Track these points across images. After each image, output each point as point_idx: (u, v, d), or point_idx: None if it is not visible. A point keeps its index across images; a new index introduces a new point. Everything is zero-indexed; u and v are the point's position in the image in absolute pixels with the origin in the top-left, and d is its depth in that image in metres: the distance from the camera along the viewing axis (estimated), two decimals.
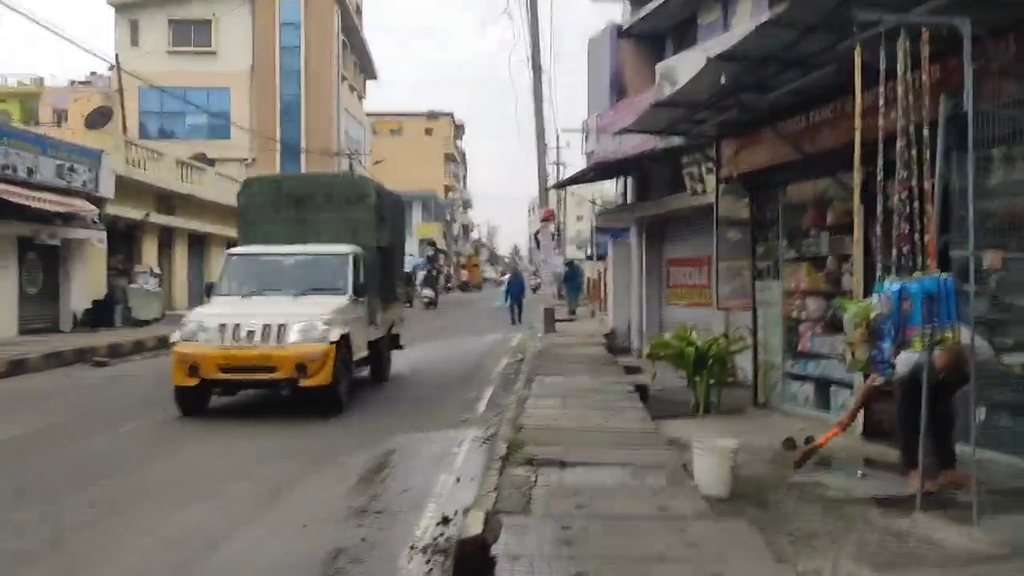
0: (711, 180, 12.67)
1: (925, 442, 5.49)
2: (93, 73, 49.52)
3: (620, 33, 16.20)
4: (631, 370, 13.79)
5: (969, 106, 4.74)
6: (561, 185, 17.46)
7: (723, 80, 7.20)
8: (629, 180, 17.52)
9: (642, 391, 10.61)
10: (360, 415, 9.90)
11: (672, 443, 7.51)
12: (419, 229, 65.60)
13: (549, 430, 7.12)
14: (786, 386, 9.36)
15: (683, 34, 15.36)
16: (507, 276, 40.43)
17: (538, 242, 18.77)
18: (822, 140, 8.14)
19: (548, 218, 17.88)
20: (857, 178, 5.57)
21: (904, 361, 5.26)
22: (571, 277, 30.42)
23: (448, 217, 78.20)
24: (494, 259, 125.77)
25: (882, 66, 5.33)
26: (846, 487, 5.89)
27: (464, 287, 71.40)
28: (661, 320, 16.37)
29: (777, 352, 9.52)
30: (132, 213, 22.38)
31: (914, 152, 5.18)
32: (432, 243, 69.06)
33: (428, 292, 37.84)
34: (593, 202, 24.61)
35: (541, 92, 17.46)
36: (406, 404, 10.74)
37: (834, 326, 8.59)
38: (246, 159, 39.67)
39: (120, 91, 27.37)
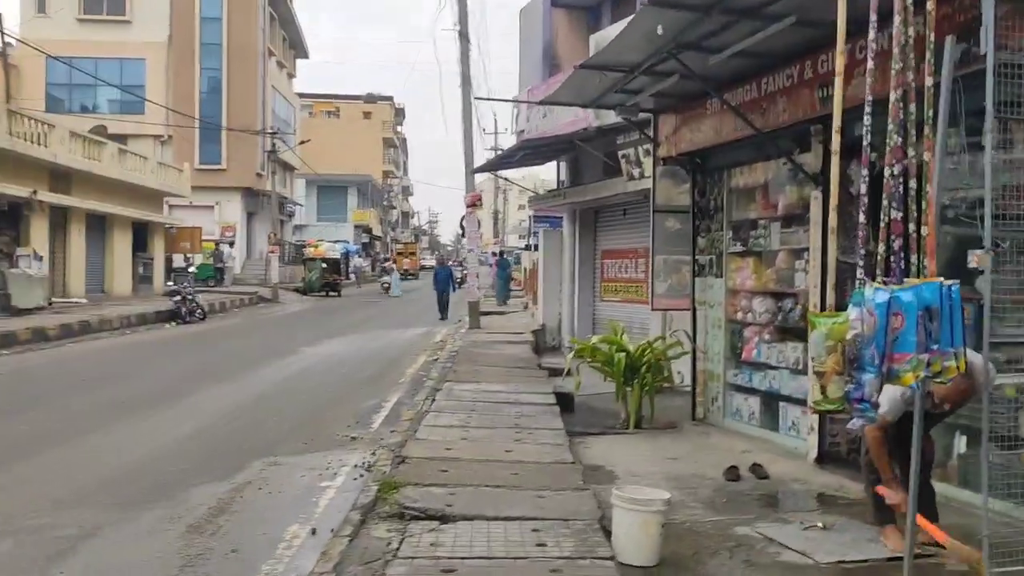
0: (649, 163, 11.41)
1: (902, 487, 4.27)
2: None
3: (554, 2, 14.81)
4: (557, 372, 12.48)
5: (988, 45, 3.46)
6: (488, 168, 16.03)
7: (659, 31, 5.85)
8: (562, 165, 16.19)
9: (565, 401, 9.30)
10: (234, 424, 8.32)
11: (592, 474, 6.18)
12: (354, 215, 63.39)
13: (439, 462, 5.69)
14: (728, 399, 8.14)
15: (621, 3, 14.06)
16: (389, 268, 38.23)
17: (463, 229, 17.30)
18: (776, 113, 6.88)
19: (474, 204, 16.41)
20: (836, 122, 4.27)
21: (889, 399, 4.00)
22: (501, 267, 29.77)
23: (386, 203, 75.99)
24: (435, 247, 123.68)
25: None
26: (805, 546, 4.61)
27: (402, 276, 69.33)
28: (594, 316, 15.12)
29: (719, 360, 8.30)
30: (16, 190, 20.07)
31: (911, 112, 3.88)
32: (367, 229, 66.91)
33: (387, 279, 37.50)
34: (525, 188, 22.91)
35: (468, 64, 15.98)
36: (294, 411, 9.20)
37: (784, 331, 7.40)
38: (162, 136, 37.15)
39: (3, 54, 24.78)
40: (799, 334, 7.14)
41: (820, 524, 4.82)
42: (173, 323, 21.13)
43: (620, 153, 12.08)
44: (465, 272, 20.34)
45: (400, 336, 18.55)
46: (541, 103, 10.64)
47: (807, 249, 6.98)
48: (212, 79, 38.05)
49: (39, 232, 21.76)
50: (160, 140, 37.43)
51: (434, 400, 8.43)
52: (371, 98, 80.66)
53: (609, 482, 6.12)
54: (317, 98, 77.59)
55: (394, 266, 42.89)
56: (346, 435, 7.91)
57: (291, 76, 47.83)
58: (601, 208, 14.65)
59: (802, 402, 6.99)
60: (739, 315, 8.00)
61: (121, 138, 34.34)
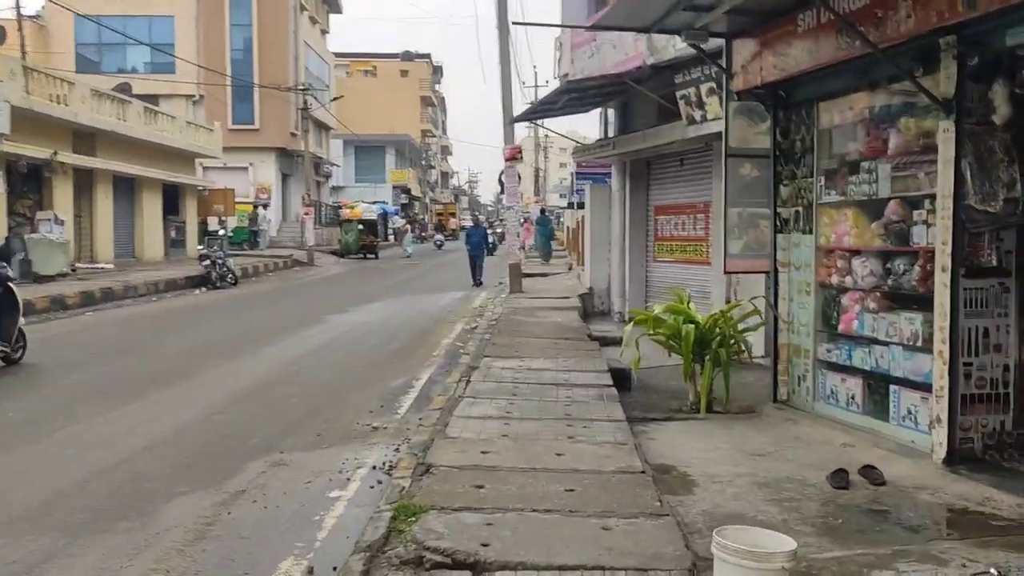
0: (714, 103, 9.95)
1: None
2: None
3: None
4: (609, 341, 11.23)
5: None
6: (528, 116, 14.58)
7: None
8: (610, 113, 14.71)
9: (621, 378, 8.07)
10: (241, 410, 7.26)
11: (663, 479, 4.94)
12: (392, 175, 62.30)
13: (473, 472, 4.49)
14: (820, 379, 6.79)
15: None
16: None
17: (502, 185, 15.99)
18: (897, 23, 5.41)
19: (514, 157, 15.06)
20: None
21: None
22: (543, 224, 29.18)
23: (424, 163, 74.72)
24: (475, 207, 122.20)
25: None
26: None
27: (444, 237, 68.26)
28: (647, 279, 13.77)
29: (807, 332, 6.94)
30: (36, 151, 19.26)
31: None
32: (406, 190, 65.80)
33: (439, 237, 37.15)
34: (568, 138, 21.21)
35: (506, 7, 14.49)
36: (312, 392, 8.12)
37: (896, 298, 6.01)
38: (193, 96, 36.24)
39: (17, 7, 23.88)
40: (917, 302, 5.76)
41: (993, 571, 3.52)
42: (203, 289, 20.33)
43: (679, 94, 10.60)
44: (501, 232, 19.02)
45: (436, 301, 17.42)
46: (592, 28, 9.28)
47: (929, 196, 5.57)
48: (243, 36, 36.93)
49: (63, 195, 21.02)
50: (192, 100, 36.53)
51: (469, 382, 7.23)
52: (408, 56, 79.07)
53: (685, 491, 4.89)
54: (354, 57, 76.40)
55: (408, 227, 41.78)
56: (367, 424, 6.78)
57: (324, 32, 46.48)
58: (654, 159, 13.19)
59: (921, 386, 5.65)
60: (834, 278, 6.62)
61: (152, 98, 33.49)
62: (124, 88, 25.75)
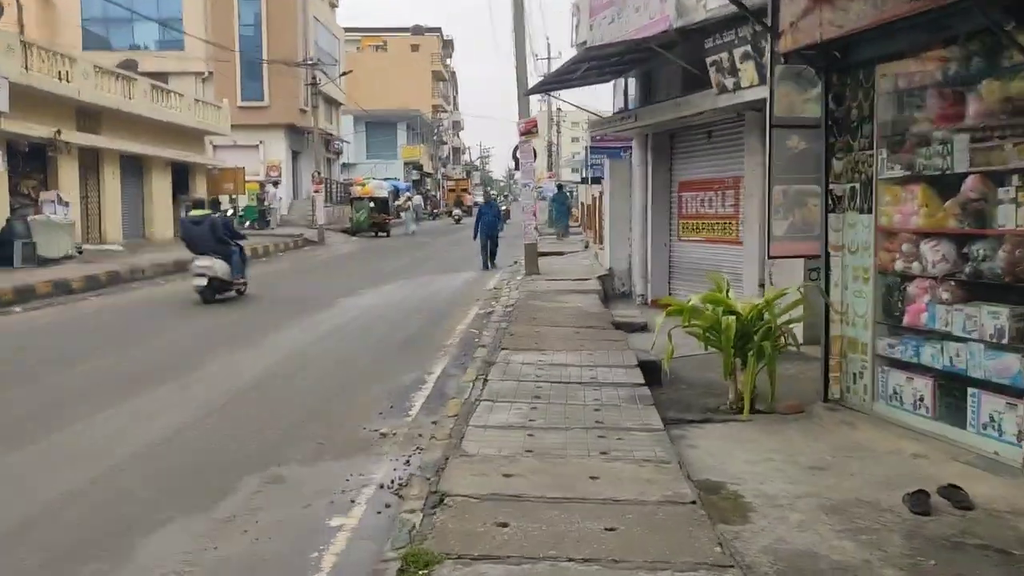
0: (748, 69, 9.15)
1: None
2: None
3: None
4: (634, 327, 10.54)
5: None
6: (544, 87, 13.73)
7: None
8: (630, 82, 13.87)
9: (651, 370, 7.40)
10: (238, 412, 6.64)
11: (712, 502, 4.27)
12: (403, 151, 61.47)
13: (493, 504, 3.82)
14: (881, 377, 6.07)
15: None
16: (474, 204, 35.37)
17: (517, 161, 15.22)
18: None
19: (529, 131, 14.28)
20: None
21: None
22: (560, 202, 28.57)
23: (436, 139, 73.77)
24: (487, 183, 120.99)
25: None
26: None
27: (451, 212, 67.63)
28: (671, 260, 13.02)
29: (864, 324, 6.20)
30: (37, 130, 18.66)
31: None
32: (418, 166, 64.99)
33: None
34: (587, 110, 20.21)
35: None
36: (316, 390, 7.49)
37: (976, 287, 5.27)
38: (202, 73, 35.55)
39: None
40: (1002, 292, 5.02)
41: None
42: None
43: (709, 60, 9.79)
44: (506, 209, 18.07)
45: (450, 282, 16.75)
46: None
47: (1018, 171, 4.81)
48: (251, 11, 36.06)
49: (68, 175, 20.46)
50: (201, 77, 35.85)
51: (486, 380, 6.55)
52: (418, 30, 77.93)
53: (741, 519, 4.21)
54: (363, 31, 75.36)
55: (410, 203, 40.87)
56: (375, 429, 6.13)
57: (334, 6, 45.51)
58: (679, 131, 12.39)
59: (1007, 390, 4.93)
60: (897, 264, 5.87)
61: (161, 76, 32.84)
62: (130, 65, 25.08)
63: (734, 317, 6.38)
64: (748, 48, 9.06)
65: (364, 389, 7.54)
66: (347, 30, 65.93)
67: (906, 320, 5.81)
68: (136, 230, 24.48)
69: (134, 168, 24.25)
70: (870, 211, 6.12)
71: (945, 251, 5.46)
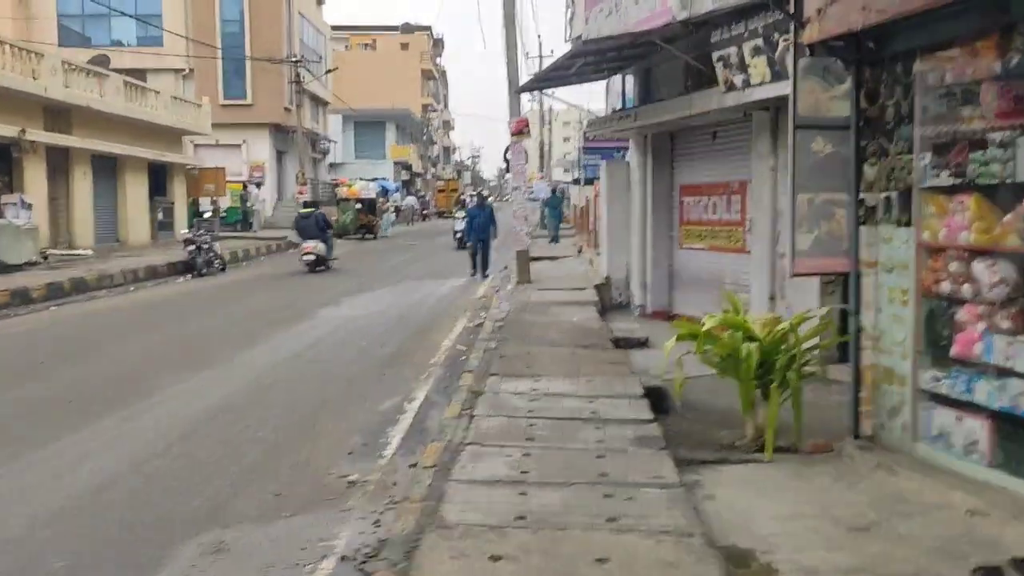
0: (759, 65, 8.37)
1: None
2: None
3: None
4: (633, 344, 9.76)
5: None
6: (536, 85, 12.85)
7: None
8: (628, 79, 13.09)
9: (656, 396, 6.63)
10: (184, 452, 5.81)
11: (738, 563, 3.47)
12: (392, 151, 60.58)
13: None
14: (924, 415, 5.28)
15: None
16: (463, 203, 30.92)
17: (508, 163, 14.41)
18: None
19: (521, 131, 13.47)
20: None
21: None
22: (553, 205, 27.87)
23: (426, 138, 72.89)
24: (478, 183, 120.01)
25: None
26: None
27: (442, 214, 66.78)
28: (671, 268, 12.24)
29: (903, 353, 5.42)
30: (1, 130, 17.71)
31: None
32: (407, 166, 64.09)
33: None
34: (581, 108, 19.26)
35: None
36: (280, 422, 6.66)
37: None
38: (183, 70, 34.56)
39: None
40: None
41: None
42: (188, 276, 18.89)
43: (715, 55, 9.01)
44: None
45: (436, 289, 15.93)
46: None
47: None
48: (234, 6, 35.07)
49: (35, 177, 19.52)
50: (182, 74, 34.88)
51: (473, 417, 5.73)
52: (408, 28, 77.16)
53: None
54: (352, 30, 74.48)
55: (389, 205, 39.64)
56: (342, 475, 5.31)
57: (320, 2, 44.55)
58: (681, 131, 11.61)
59: None
60: (944, 286, 5.10)
61: (140, 73, 31.85)
62: (101, 61, 24.06)
63: (755, 344, 5.60)
64: (760, 42, 8.29)
65: (336, 419, 6.72)
66: (336, 29, 64.99)
67: (955, 351, 5.03)
68: (110, 233, 23.52)
69: (108, 169, 23.30)
70: (909, 224, 5.34)
71: (1004, 272, 4.69)
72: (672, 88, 11.25)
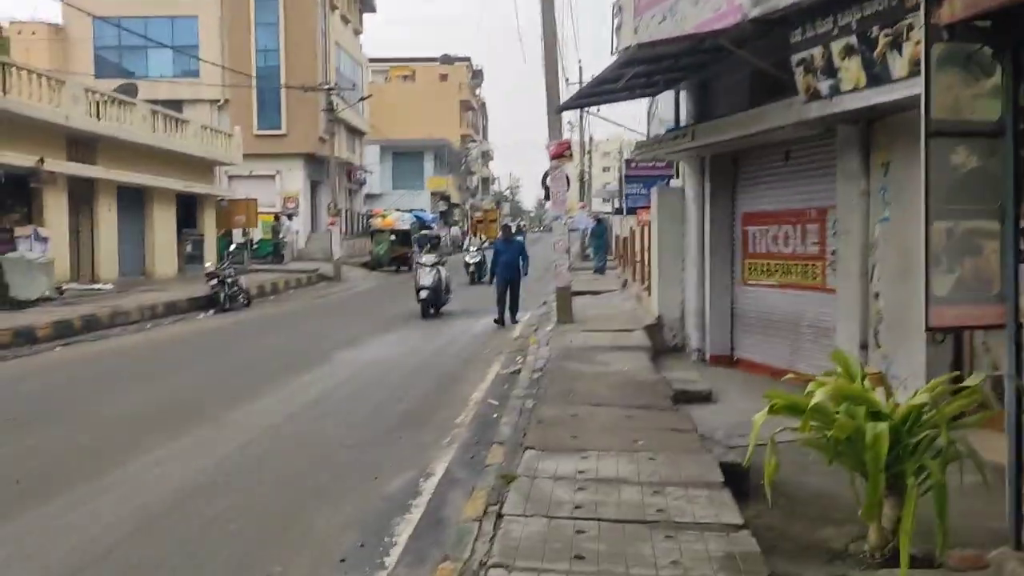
0: (852, 68, 6.94)
1: None
2: None
3: None
4: (692, 398, 8.29)
5: None
6: (578, 103, 11.44)
7: None
8: (682, 96, 11.72)
9: (732, 477, 5.18)
10: (140, 548, 4.49)
11: None
12: (430, 181, 59.93)
13: None
14: None
15: None
16: (466, 241, 29.79)
17: (547, 190, 13.07)
18: None
19: (561, 154, 12.16)
20: None
21: None
22: (598, 235, 26.70)
23: (464, 169, 72.31)
24: (517, 214, 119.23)
25: None
26: None
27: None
28: (734, 308, 10.75)
29: None
30: (16, 158, 16.97)
31: None
32: (445, 197, 63.38)
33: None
34: (627, 127, 17.89)
35: None
36: (263, 509, 5.32)
37: None
38: (218, 101, 34.17)
39: None
40: None
41: None
42: (210, 312, 17.87)
43: (795, 59, 7.59)
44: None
45: (469, 328, 14.60)
46: None
47: None
48: (269, 36, 34.69)
49: (55, 208, 18.77)
50: (217, 105, 34.51)
51: (501, 517, 4.32)
52: (447, 59, 77.20)
53: None
54: (391, 62, 74.82)
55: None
56: None
57: (357, 32, 44.21)
58: (746, 152, 10.19)
59: None
60: None
61: (176, 104, 31.50)
62: (128, 89, 23.49)
63: (885, 425, 4.11)
64: (853, 40, 6.85)
65: (333, 505, 5.35)
66: (376, 61, 65.04)
67: None
68: (136, 267, 22.74)
69: (134, 200, 22.58)
70: None
71: None
72: (734, 103, 9.84)
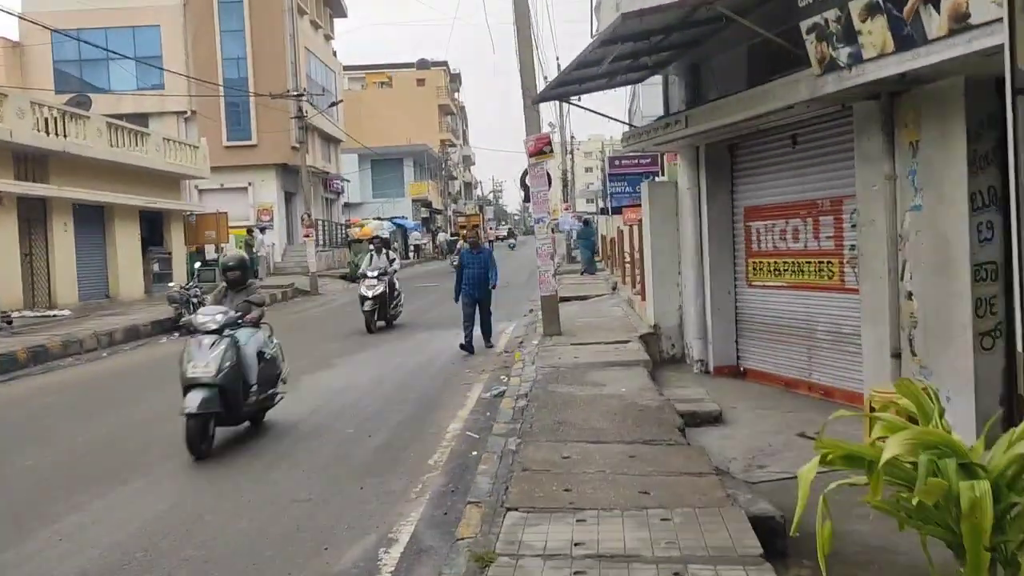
0: (876, 29, 5.93)
1: None
2: None
3: None
4: (701, 420, 7.27)
5: None
6: (556, 93, 10.17)
7: None
8: (671, 81, 10.68)
9: (768, 533, 4.14)
10: None
11: None
12: (411, 188, 58.82)
13: None
14: None
15: None
16: (456, 246, 25.59)
17: (527, 190, 11.97)
18: None
19: (541, 151, 11.06)
20: None
21: None
22: (585, 236, 25.92)
23: (445, 174, 71.20)
24: (501, 217, 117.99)
25: None
26: None
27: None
28: (737, 311, 9.71)
29: None
30: None
31: None
32: (427, 203, 62.22)
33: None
34: (611, 118, 16.75)
35: None
36: None
37: None
38: (184, 112, 32.91)
39: None
40: None
41: None
42: (174, 335, 16.70)
43: (806, 25, 6.54)
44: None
45: (451, 343, 13.45)
46: None
47: None
48: (236, 43, 33.43)
49: (3, 231, 17.53)
50: (183, 117, 33.25)
51: None
52: (424, 64, 76.19)
53: None
54: (368, 69, 73.77)
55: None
56: None
57: (328, 37, 42.96)
58: (744, 139, 9.15)
59: None
60: None
61: (142, 117, 30.27)
62: (81, 102, 22.23)
63: (986, 485, 3.03)
64: None
65: None
66: (352, 68, 63.69)
67: None
68: (98, 289, 21.48)
69: (94, 219, 21.32)
70: None
71: None
72: (730, 85, 8.81)
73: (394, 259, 16.91)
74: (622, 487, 4.75)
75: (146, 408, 9.47)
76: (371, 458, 6.82)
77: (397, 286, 16.47)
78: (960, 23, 5.11)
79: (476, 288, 12.27)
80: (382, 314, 15.49)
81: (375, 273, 15.25)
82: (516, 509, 4.47)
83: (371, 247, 17.05)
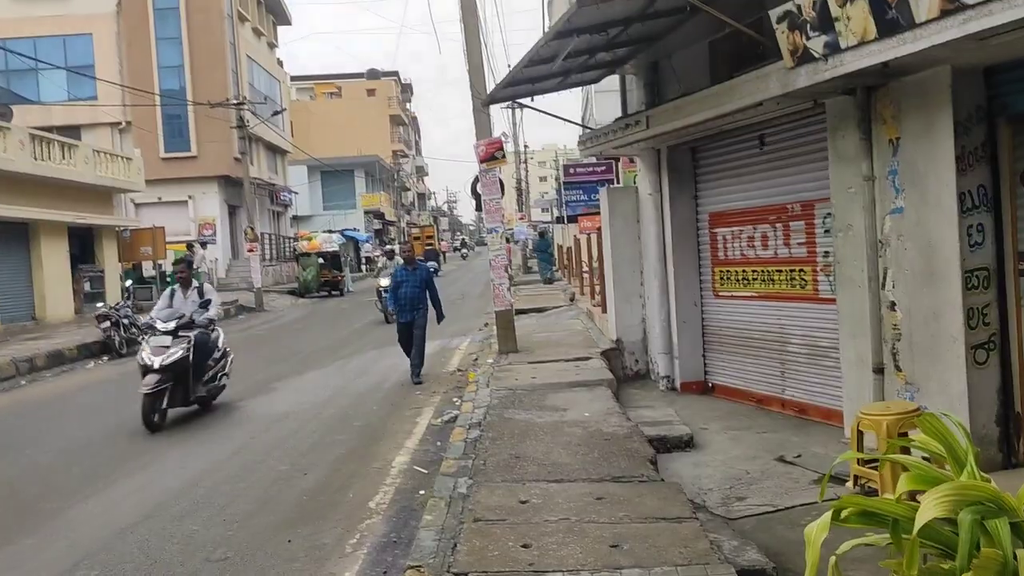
0: (858, 14, 5.38)
1: None
2: None
3: None
4: (673, 444, 6.65)
5: None
6: (507, 94, 9.40)
7: None
8: (629, 81, 10.10)
9: None
10: None
11: None
12: (363, 199, 57.64)
13: None
14: None
15: None
16: (382, 261, 22.19)
17: (478, 198, 11.25)
18: None
19: (493, 156, 10.35)
20: None
21: None
22: (542, 248, 25.52)
23: (398, 185, 70.18)
24: (456, 228, 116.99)
25: None
26: None
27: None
28: (704, 324, 9.13)
29: None
30: None
31: None
32: (379, 215, 61.08)
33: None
34: (566, 119, 16.20)
35: None
36: None
37: None
38: (119, 123, 31.46)
39: None
40: None
41: None
42: (103, 359, 15.62)
43: (776, 13, 5.98)
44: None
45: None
46: None
47: None
48: (172, 51, 32.12)
49: None
50: (119, 128, 31.80)
51: None
52: (374, 74, 75.36)
53: None
54: (316, 79, 72.64)
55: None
56: None
57: (272, 45, 41.82)
58: (707, 140, 8.59)
59: None
60: None
61: (73, 129, 28.81)
62: (1, 114, 20.85)
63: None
64: None
65: None
66: (300, 78, 62.38)
67: None
68: (23, 311, 20.11)
69: (17, 236, 19.95)
70: None
71: None
72: (693, 81, 8.26)
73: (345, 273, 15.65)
74: (590, 540, 4.05)
75: (56, 445, 8.48)
76: (304, 502, 6.03)
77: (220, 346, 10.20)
78: (953, 2, 4.59)
79: (409, 310, 10.53)
80: (175, 397, 8.84)
81: (169, 325, 8.90)
82: (466, 575, 3.74)
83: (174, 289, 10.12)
